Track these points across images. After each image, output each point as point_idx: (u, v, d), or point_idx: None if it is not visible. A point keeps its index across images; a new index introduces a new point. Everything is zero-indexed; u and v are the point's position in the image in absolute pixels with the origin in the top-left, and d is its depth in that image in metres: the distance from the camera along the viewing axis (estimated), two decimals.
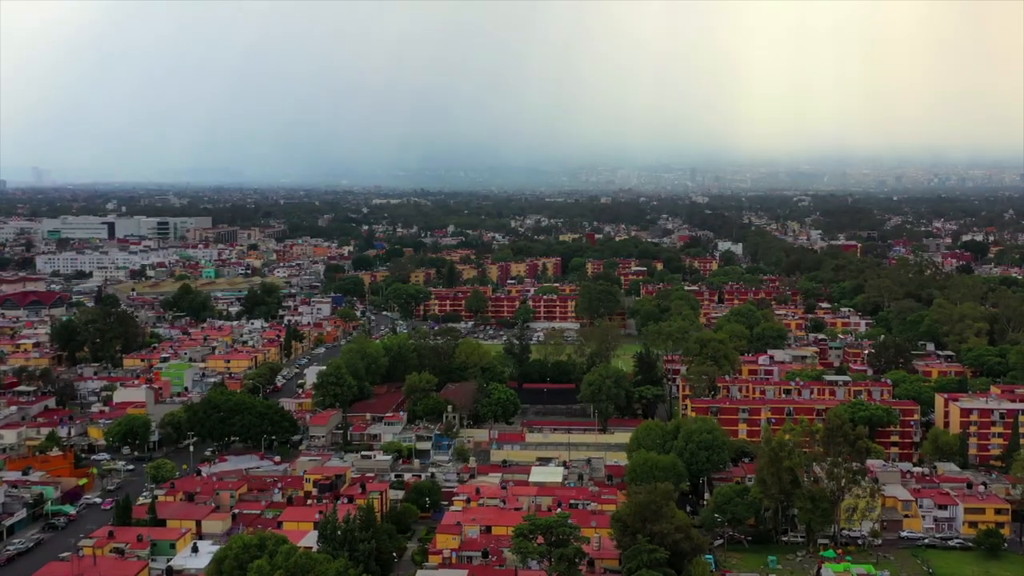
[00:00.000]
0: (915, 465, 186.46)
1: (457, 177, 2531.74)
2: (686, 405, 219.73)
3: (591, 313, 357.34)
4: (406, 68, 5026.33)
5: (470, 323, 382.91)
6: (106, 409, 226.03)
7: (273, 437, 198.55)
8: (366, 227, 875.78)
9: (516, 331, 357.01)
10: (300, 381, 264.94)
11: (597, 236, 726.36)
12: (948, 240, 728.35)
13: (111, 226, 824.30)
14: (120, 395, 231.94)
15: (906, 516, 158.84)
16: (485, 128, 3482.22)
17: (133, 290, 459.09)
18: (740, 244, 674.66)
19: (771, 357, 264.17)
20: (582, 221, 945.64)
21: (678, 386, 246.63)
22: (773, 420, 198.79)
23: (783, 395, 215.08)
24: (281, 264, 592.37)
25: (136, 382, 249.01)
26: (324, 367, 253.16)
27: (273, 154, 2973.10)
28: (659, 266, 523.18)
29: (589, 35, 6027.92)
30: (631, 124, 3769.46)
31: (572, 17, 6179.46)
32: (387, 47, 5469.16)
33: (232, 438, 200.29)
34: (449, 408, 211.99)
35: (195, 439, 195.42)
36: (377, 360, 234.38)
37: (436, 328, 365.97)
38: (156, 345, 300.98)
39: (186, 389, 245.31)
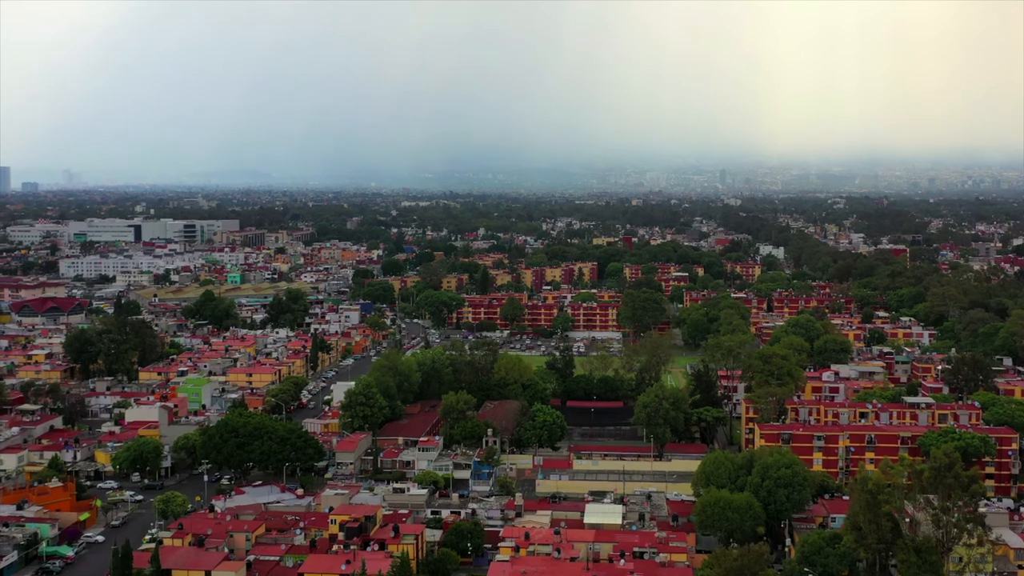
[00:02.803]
0: (1016, 502, 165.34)
1: (484, 179, 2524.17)
2: (751, 429, 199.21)
3: (635, 323, 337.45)
4: (429, 71, 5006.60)
5: (505, 332, 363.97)
6: (117, 429, 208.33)
7: (296, 464, 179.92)
8: (395, 230, 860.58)
9: (555, 342, 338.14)
10: (327, 397, 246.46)
11: (633, 240, 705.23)
12: (997, 244, 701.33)
13: (137, 229, 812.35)
14: (132, 414, 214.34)
15: (1020, 567, 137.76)
16: (509, 130, 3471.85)
17: (155, 296, 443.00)
18: (781, 248, 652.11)
19: (836, 373, 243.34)
20: (615, 224, 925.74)
21: (736, 405, 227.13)
22: (852, 449, 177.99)
23: (859, 419, 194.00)
24: (309, 268, 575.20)
25: (151, 398, 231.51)
26: (352, 383, 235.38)
27: (301, 156, 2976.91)
28: (700, 271, 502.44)
29: (612, 36, 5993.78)
30: (658, 126, 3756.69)
31: (594, 18, 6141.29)
32: (409, 50, 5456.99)
33: (250, 464, 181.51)
34: (489, 432, 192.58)
35: (209, 466, 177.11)
36: (409, 377, 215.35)
37: (471, 338, 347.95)
38: (175, 357, 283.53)
39: (203, 407, 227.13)
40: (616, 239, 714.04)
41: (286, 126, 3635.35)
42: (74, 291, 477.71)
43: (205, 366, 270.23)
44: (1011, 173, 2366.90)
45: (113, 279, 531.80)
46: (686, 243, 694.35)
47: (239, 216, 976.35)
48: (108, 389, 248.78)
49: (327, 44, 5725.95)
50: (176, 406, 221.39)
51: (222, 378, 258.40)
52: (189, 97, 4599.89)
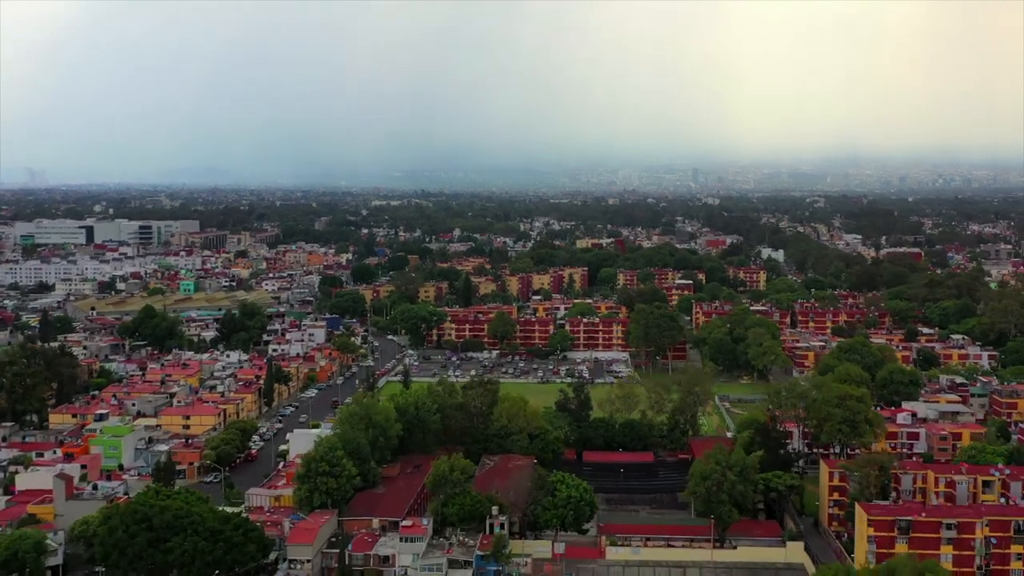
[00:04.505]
0: None
1: (455, 178, 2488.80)
2: (837, 503, 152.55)
3: (647, 342, 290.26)
4: (394, 70, 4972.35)
5: (494, 352, 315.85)
6: (1, 503, 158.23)
7: (234, 570, 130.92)
8: (366, 231, 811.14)
9: (554, 365, 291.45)
10: (282, 448, 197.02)
11: (622, 242, 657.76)
12: (1007, 247, 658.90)
13: (89, 230, 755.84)
14: (24, 480, 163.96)
15: None
16: (478, 130, 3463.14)
17: (92, 309, 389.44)
18: (781, 251, 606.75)
19: (913, 415, 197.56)
20: (596, 224, 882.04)
21: (805, 465, 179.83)
22: (994, 540, 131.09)
23: (982, 489, 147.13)
24: (271, 274, 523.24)
25: (57, 452, 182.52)
26: (313, 430, 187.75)
27: (270, 154, 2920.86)
28: (702, 277, 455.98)
29: (577, 38, 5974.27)
30: (625, 126, 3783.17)
31: (558, 20, 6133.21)
32: (372, 49, 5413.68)
33: (169, 568, 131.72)
34: (494, 510, 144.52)
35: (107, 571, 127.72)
36: (387, 430, 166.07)
37: (456, 360, 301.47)
38: (96, 393, 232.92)
39: (120, 468, 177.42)
40: (601, 240, 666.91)
41: (255, 124, 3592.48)
42: (5, 302, 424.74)
43: (133, 404, 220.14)
44: (981, 172, 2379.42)
45: (52, 287, 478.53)
46: (676, 244, 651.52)
47: (203, 216, 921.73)
48: (5, 439, 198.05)
49: (288, 42, 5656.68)
50: (85, 467, 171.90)
51: (152, 421, 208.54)
52: (155, 94, 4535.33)
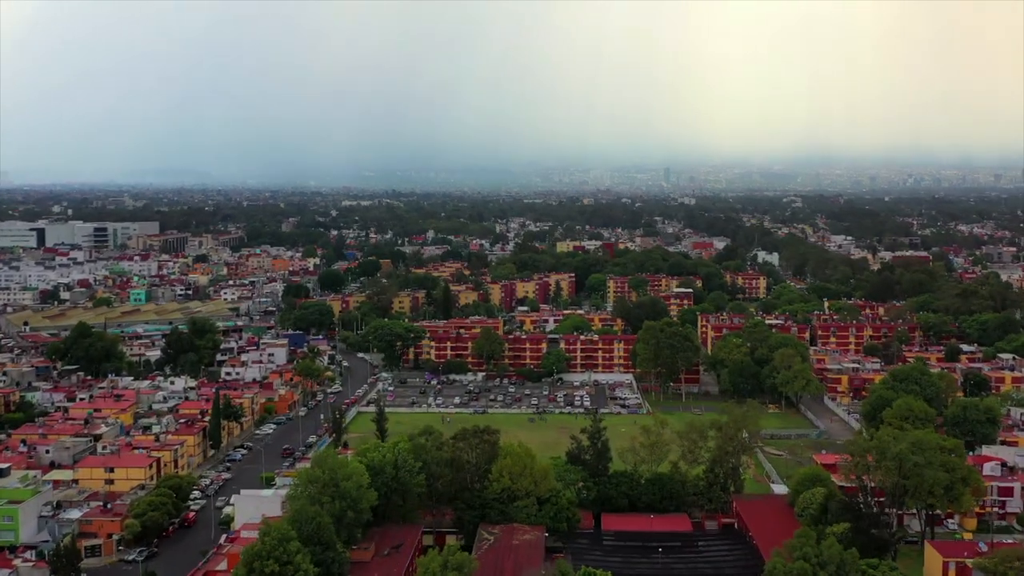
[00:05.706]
0: None
1: (426, 178, 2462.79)
2: None
3: (657, 364, 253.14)
4: (369, 69, 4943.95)
5: (480, 375, 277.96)
6: None
7: None
8: (335, 232, 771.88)
9: (550, 390, 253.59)
10: (226, 511, 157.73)
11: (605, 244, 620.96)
12: (1010, 249, 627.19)
13: (41, 233, 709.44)
14: None
15: None
16: (448, 131, 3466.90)
17: (25, 324, 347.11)
18: (775, 254, 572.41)
19: (1002, 464, 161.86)
20: (574, 225, 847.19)
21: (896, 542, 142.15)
22: None
23: None
24: (232, 281, 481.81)
25: None
26: (268, 492, 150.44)
27: (240, 154, 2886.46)
28: (699, 284, 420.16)
29: (555, 36, 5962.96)
30: (600, 125, 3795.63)
31: (537, 18, 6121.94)
32: (341, 48, 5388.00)
33: None
34: None
35: None
36: (358, 502, 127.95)
37: (436, 384, 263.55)
38: (5, 436, 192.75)
39: (12, 550, 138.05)
40: (583, 243, 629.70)
41: (226, 124, 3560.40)
42: None
43: (47, 452, 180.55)
44: (950, 172, 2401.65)
45: None
46: (661, 245, 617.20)
47: (166, 217, 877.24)
48: None
49: (261, 41, 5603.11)
50: None
51: (68, 474, 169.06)
52: (124, 94, 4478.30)
